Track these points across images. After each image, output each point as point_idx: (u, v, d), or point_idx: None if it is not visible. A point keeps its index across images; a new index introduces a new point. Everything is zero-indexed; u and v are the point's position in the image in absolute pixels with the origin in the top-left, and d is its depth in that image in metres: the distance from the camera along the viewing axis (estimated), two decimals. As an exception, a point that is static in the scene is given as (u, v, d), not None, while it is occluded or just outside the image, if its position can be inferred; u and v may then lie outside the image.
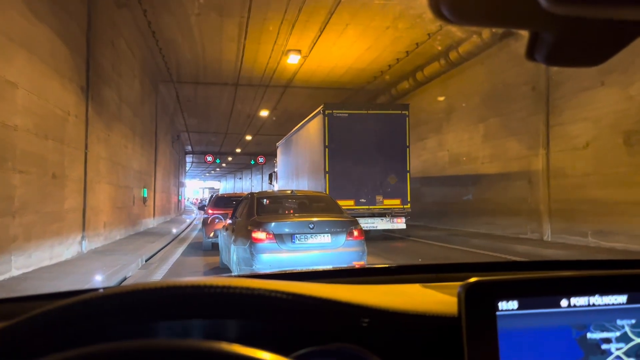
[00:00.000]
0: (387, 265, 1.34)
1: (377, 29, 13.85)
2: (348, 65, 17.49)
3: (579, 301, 0.68)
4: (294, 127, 17.43)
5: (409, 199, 13.12)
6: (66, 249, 8.61)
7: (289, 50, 15.64)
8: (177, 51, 16.37)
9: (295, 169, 18.21)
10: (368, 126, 13.04)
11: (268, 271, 1.68)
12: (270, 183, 26.31)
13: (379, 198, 12.93)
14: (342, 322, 0.67)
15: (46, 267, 7.51)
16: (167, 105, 23.71)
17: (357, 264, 6.13)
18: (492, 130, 13.75)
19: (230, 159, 49.90)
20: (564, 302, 0.68)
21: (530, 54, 0.43)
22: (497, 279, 0.67)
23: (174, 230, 17.19)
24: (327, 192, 12.05)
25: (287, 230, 6.15)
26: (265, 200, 7.31)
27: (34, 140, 7.12)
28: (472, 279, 0.67)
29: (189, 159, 50.98)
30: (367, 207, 12.86)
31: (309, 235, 6.15)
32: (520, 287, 0.68)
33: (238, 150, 42.84)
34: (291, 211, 7.19)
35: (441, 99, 16.59)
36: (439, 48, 14.90)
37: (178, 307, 0.60)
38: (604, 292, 0.68)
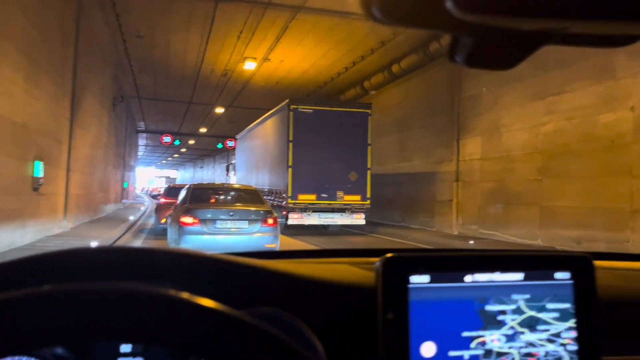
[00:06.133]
0: (322, 249, 1.45)
1: None
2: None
3: (481, 277, 0.74)
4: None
5: (368, 195, 13.35)
6: None
7: None
8: None
9: (255, 162, 18.25)
10: (332, 123, 13.26)
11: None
12: (227, 174, 26.61)
13: (339, 194, 13.20)
14: (271, 290, 0.73)
15: None
16: (102, 35, 15.18)
17: (268, 245, 7.46)
18: None
19: (192, 141, 41.31)
20: (468, 278, 0.74)
21: (451, 55, 0.45)
22: (410, 256, 0.72)
23: (93, 245, 9.01)
24: (290, 186, 13.07)
25: (210, 216, 7.45)
26: (199, 190, 8.52)
27: None
28: (389, 255, 0.71)
29: (141, 141, 42.15)
30: (328, 202, 13.18)
31: (228, 221, 7.47)
32: (431, 263, 0.73)
33: (203, 129, 34.30)
34: (216, 200, 8.38)
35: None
36: None
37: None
38: (503, 270, 0.75)
